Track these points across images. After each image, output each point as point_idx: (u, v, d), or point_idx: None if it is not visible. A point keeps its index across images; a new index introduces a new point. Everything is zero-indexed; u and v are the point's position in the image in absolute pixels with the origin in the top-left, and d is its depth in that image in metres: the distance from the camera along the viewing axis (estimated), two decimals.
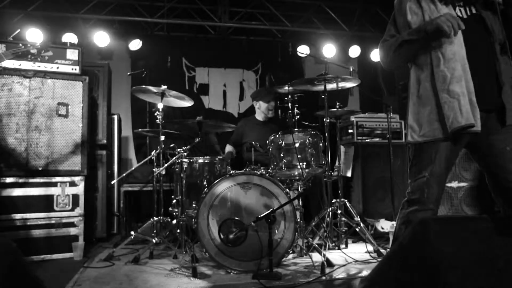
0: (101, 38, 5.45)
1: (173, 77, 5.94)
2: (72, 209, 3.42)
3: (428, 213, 1.92)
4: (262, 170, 3.26)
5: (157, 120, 3.52)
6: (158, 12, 5.67)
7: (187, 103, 3.73)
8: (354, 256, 3.18)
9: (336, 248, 3.48)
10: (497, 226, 0.91)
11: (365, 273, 2.79)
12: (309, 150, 3.12)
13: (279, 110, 4.21)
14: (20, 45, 3.00)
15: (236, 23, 5.91)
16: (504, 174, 1.86)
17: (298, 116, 3.43)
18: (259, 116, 4.41)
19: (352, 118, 4.42)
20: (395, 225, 2.06)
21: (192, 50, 6.19)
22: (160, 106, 3.52)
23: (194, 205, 3.34)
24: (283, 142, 3.15)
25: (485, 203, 3.59)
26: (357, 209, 4.13)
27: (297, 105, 3.42)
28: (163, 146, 3.61)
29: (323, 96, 3.42)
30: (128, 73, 5.41)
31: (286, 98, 3.46)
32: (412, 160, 2.01)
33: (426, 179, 1.91)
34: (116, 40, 5.74)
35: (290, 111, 3.26)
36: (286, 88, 3.54)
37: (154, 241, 3.31)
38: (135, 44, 5.72)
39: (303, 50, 6.07)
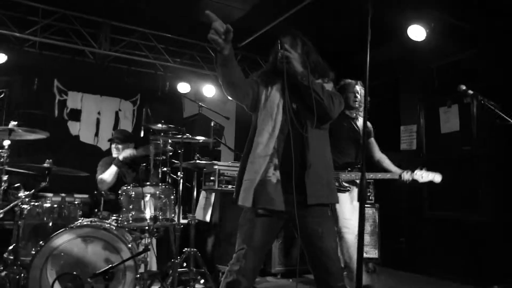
0: None
1: (39, 99, 5.56)
2: None
3: (241, 285, 2.13)
4: (114, 217, 3.23)
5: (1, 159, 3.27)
6: (31, 27, 5.29)
7: (41, 135, 3.52)
8: None
9: None
10: None
11: None
12: (159, 204, 3.19)
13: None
14: None
15: (118, 52, 5.79)
16: None
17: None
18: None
19: (215, 166, 4.62)
20: None
21: (67, 72, 5.86)
22: (6, 143, 3.29)
23: (33, 252, 3.14)
24: (133, 193, 3.18)
25: None
26: (213, 255, 4.30)
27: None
28: (6, 185, 3.36)
29: (179, 151, 3.58)
30: None
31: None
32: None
33: (245, 251, 2.13)
34: None
35: (143, 165, 3.30)
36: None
37: None
38: None
39: (183, 88, 6.19)
